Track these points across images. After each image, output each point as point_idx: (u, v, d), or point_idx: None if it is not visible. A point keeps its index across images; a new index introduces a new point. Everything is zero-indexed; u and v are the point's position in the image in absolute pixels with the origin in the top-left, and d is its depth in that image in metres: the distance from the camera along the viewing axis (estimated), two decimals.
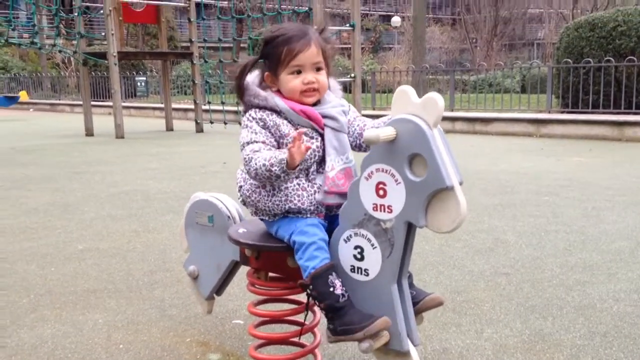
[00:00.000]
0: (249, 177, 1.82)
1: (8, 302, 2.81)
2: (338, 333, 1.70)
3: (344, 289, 1.71)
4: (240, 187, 1.90)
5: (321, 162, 1.82)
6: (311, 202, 1.78)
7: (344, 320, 1.69)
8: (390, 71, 15.06)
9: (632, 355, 2.21)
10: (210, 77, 12.79)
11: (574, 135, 9.83)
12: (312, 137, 1.80)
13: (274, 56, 1.80)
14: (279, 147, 1.80)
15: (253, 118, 1.81)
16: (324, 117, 1.82)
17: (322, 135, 1.81)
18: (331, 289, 1.69)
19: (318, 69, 1.81)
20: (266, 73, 1.85)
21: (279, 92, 1.83)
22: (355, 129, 1.89)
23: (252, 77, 1.86)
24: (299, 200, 1.78)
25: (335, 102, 1.87)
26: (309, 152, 1.76)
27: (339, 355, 2.22)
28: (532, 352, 2.24)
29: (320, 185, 1.79)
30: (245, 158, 1.78)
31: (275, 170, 1.70)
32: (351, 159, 1.84)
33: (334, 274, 1.71)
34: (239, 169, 1.93)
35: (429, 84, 16.05)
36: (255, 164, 1.73)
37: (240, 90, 1.84)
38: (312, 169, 1.81)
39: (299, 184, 1.79)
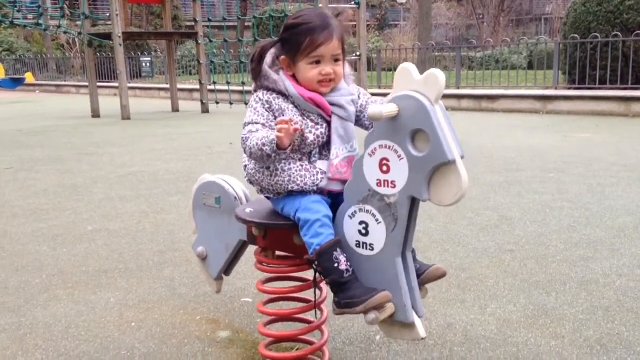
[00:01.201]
0: (246, 156, 1.87)
1: (21, 282, 2.88)
2: (342, 306, 1.75)
3: (348, 264, 1.75)
4: (245, 166, 1.94)
5: (324, 147, 1.85)
6: (313, 182, 1.82)
7: (347, 294, 1.74)
8: (396, 49, 14.96)
9: (633, 328, 2.25)
10: (215, 56, 12.77)
11: (580, 111, 9.79)
12: (317, 123, 1.83)
13: (294, 43, 1.81)
14: None
15: (260, 99, 1.84)
16: (333, 105, 1.84)
17: (328, 123, 1.84)
18: (335, 265, 1.73)
19: (336, 60, 1.83)
20: (282, 57, 1.86)
21: (292, 76, 1.85)
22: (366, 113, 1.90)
23: (266, 58, 1.88)
24: (301, 181, 1.81)
25: (345, 90, 1.90)
26: (311, 138, 1.80)
27: (345, 330, 2.27)
28: (535, 327, 2.28)
29: (322, 169, 1.83)
30: (242, 137, 1.83)
31: (267, 149, 1.73)
32: (355, 147, 1.87)
33: (338, 249, 1.75)
34: None
35: (435, 61, 15.95)
36: (250, 142, 1.78)
37: (256, 72, 1.86)
38: (314, 152, 1.84)
39: (301, 165, 1.83)
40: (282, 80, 1.83)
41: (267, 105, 1.83)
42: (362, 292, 1.72)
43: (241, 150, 1.88)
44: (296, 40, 1.80)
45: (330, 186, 1.83)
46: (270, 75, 1.84)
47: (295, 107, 1.83)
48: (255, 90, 1.89)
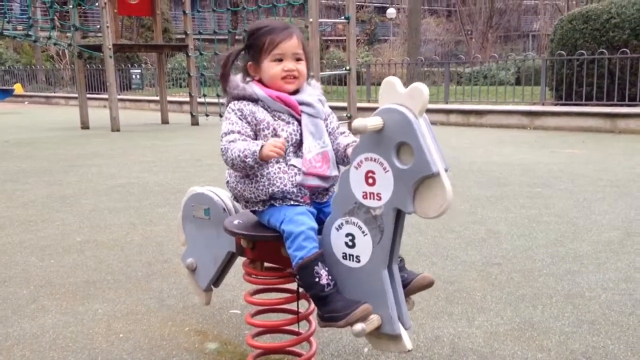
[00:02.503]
0: (227, 167, 1.91)
1: (9, 293, 2.86)
2: (325, 319, 1.78)
3: (329, 277, 1.77)
4: (227, 182, 1.97)
5: (299, 146, 1.90)
6: (292, 184, 1.86)
7: (328, 307, 1.76)
8: (385, 64, 15.08)
9: (618, 342, 2.28)
10: (205, 69, 12.80)
11: (567, 127, 9.90)
12: (287, 122, 1.89)
13: (257, 46, 1.90)
14: (255, 135, 1.88)
15: (232, 110, 1.90)
16: (301, 103, 1.91)
17: (298, 121, 1.90)
18: (316, 280, 1.75)
19: (298, 59, 1.91)
20: (249, 63, 1.94)
21: (260, 81, 1.93)
22: (338, 143, 1.97)
23: (237, 70, 1.96)
24: (281, 183, 1.85)
25: (311, 91, 1.97)
26: (284, 136, 1.86)
27: (334, 342, 2.28)
28: (522, 339, 2.30)
29: (298, 167, 1.86)
30: (222, 148, 1.87)
31: (249, 161, 1.80)
32: (327, 142, 1.93)
33: (319, 264, 1.76)
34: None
35: (424, 76, 16.08)
36: (232, 154, 1.83)
37: (224, 80, 1.93)
38: (289, 151, 1.89)
39: (279, 168, 1.87)
40: (249, 85, 1.90)
41: (239, 114, 1.89)
42: (344, 306, 1.74)
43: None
44: (258, 42, 1.90)
45: (307, 181, 1.87)
46: (237, 84, 1.91)
47: (265, 109, 1.89)
48: (227, 103, 1.95)
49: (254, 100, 1.89)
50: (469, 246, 3.49)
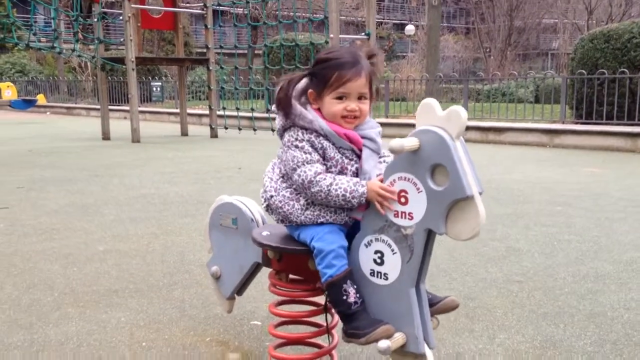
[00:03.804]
0: (307, 195, 1.86)
1: (33, 300, 2.91)
2: (348, 335, 1.81)
3: (357, 295, 1.79)
4: (271, 196, 1.94)
5: None
6: (342, 219, 1.86)
7: (353, 324, 1.79)
8: (404, 79, 15.12)
9: None
10: (225, 83, 12.92)
11: (587, 146, 9.84)
12: (351, 159, 1.88)
13: (323, 77, 1.85)
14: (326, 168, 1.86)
15: (302, 139, 1.85)
16: (364, 138, 1.89)
17: (358, 156, 1.89)
18: (344, 297, 1.78)
19: (362, 98, 1.87)
20: (310, 90, 1.90)
21: (318, 110, 1.89)
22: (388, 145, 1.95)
23: (295, 91, 1.90)
24: (330, 217, 1.86)
25: (372, 122, 1.94)
26: (349, 175, 1.86)
27: (355, 356, 2.29)
28: (544, 358, 2.29)
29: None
30: (309, 179, 1.82)
31: (355, 202, 1.79)
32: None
33: (348, 282, 1.79)
34: (267, 177, 1.99)
35: (442, 92, 16.09)
36: (335, 191, 1.79)
37: (282, 104, 1.88)
38: None
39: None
40: (316, 118, 1.86)
41: (310, 145, 1.85)
42: (366, 325, 1.76)
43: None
44: (324, 74, 1.85)
45: (356, 215, 1.86)
46: (305, 115, 1.86)
47: (332, 144, 1.86)
48: (285, 127, 1.90)
49: (318, 133, 1.86)
50: (489, 263, 3.48)
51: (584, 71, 10.79)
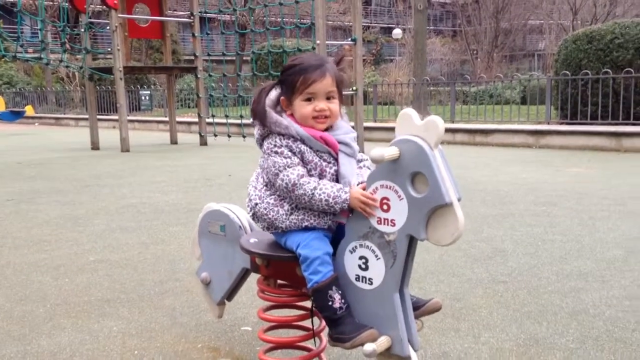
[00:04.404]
0: (291, 199, 1.91)
1: (25, 312, 2.94)
2: (334, 340, 1.87)
3: (342, 301, 1.85)
4: (256, 204, 2.00)
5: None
6: (325, 222, 1.92)
7: (338, 329, 1.85)
8: (392, 84, 15.22)
9: (622, 357, 2.32)
10: (213, 90, 12.97)
11: (572, 146, 9.96)
12: (329, 162, 1.93)
13: (290, 83, 1.93)
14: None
15: (281, 145, 1.91)
16: (340, 142, 1.95)
17: (335, 159, 1.95)
18: (330, 303, 1.84)
19: (329, 98, 1.94)
20: (282, 97, 1.97)
21: (291, 115, 1.96)
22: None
23: (269, 99, 1.97)
24: (314, 220, 1.91)
25: (346, 128, 2.01)
26: (328, 177, 1.92)
27: (343, 358, 2.34)
28: (527, 356, 2.35)
29: None
30: (293, 182, 1.87)
31: (337, 208, 1.85)
32: (356, 183, 1.98)
33: (334, 287, 1.85)
34: (252, 186, 2.05)
35: (430, 95, 16.20)
36: (319, 195, 1.84)
37: (257, 114, 1.94)
38: None
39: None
40: (291, 124, 1.92)
41: (289, 149, 1.91)
42: (352, 329, 1.82)
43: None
44: (291, 80, 1.92)
45: (339, 219, 1.93)
46: (281, 122, 1.92)
47: (309, 148, 1.92)
48: (264, 135, 1.97)
49: (295, 138, 1.91)
50: (475, 264, 3.55)
51: (567, 72, 10.93)
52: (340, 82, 1.96)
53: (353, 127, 2.13)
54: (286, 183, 1.88)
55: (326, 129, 1.96)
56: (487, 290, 3.11)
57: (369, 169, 2.02)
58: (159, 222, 4.82)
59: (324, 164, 1.92)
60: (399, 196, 1.71)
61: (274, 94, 1.98)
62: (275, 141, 1.93)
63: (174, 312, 2.89)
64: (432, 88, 16.89)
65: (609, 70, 10.28)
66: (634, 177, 6.79)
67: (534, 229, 4.35)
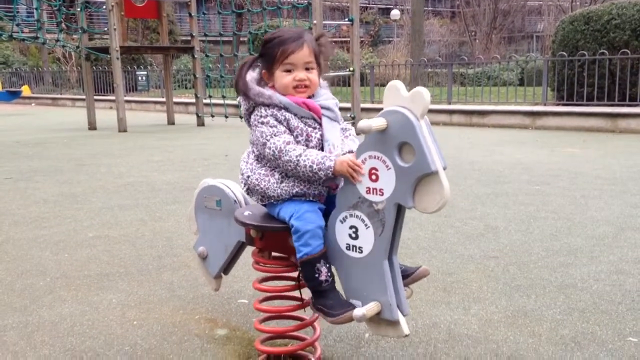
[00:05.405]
0: (279, 166, 1.96)
1: (26, 285, 3.00)
2: (316, 308, 1.95)
3: (329, 274, 1.92)
4: (248, 177, 2.06)
5: (321, 148, 2.00)
6: (316, 189, 1.97)
7: (321, 301, 1.93)
8: (389, 65, 15.21)
9: (606, 328, 2.40)
10: (211, 71, 12.94)
11: (568, 127, 10.01)
12: (314, 128, 1.99)
13: (269, 55, 2.00)
14: None
15: (266, 115, 1.97)
16: (322, 107, 2.02)
17: (319, 124, 2.01)
18: (316, 275, 1.91)
19: (308, 69, 2.00)
20: (263, 71, 2.04)
21: (273, 87, 2.02)
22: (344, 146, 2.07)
23: (252, 76, 2.04)
24: (305, 185, 1.97)
25: (327, 94, 2.08)
26: (314, 142, 1.97)
27: (336, 328, 2.40)
28: (515, 326, 2.43)
29: None
30: (279, 149, 1.92)
31: (321, 174, 1.89)
32: (342, 148, 2.03)
33: (322, 261, 1.91)
34: (243, 162, 2.10)
35: (427, 77, 16.20)
36: (303, 162, 1.89)
37: (240, 87, 2.02)
38: None
39: None
40: (274, 94, 1.98)
41: (274, 118, 1.96)
42: (333, 306, 1.89)
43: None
44: (270, 52, 1.99)
45: (328, 181, 1.97)
46: (263, 92, 1.99)
47: (294, 115, 1.98)
48: (250, 109, 2.03)
49: (279, 107, 1.97)
50: (467, 241, 3.62)
51: (564, 53, 10.93)
52: (318, 53, 2.02)
53: (350, 109, 2.18)
54: (273, 150, 1.94)
55: (308, 98, 2.02)
56: (479, 265, 3.18)
57: (355, 140, 2.08)
58: (157, 200, 4.87)
59: (309, 129, 1.98)
60: (387, 166, 1.76)
61: (256, 71, 2.04)
62: (261, 112, 1.99)
63: (171, 286, 2.96)
64: (429, 69, 16.87)
65: (605, 51, 10.29)
66: (628, 157, 6.85)
67: (527, 208, 4.42)
